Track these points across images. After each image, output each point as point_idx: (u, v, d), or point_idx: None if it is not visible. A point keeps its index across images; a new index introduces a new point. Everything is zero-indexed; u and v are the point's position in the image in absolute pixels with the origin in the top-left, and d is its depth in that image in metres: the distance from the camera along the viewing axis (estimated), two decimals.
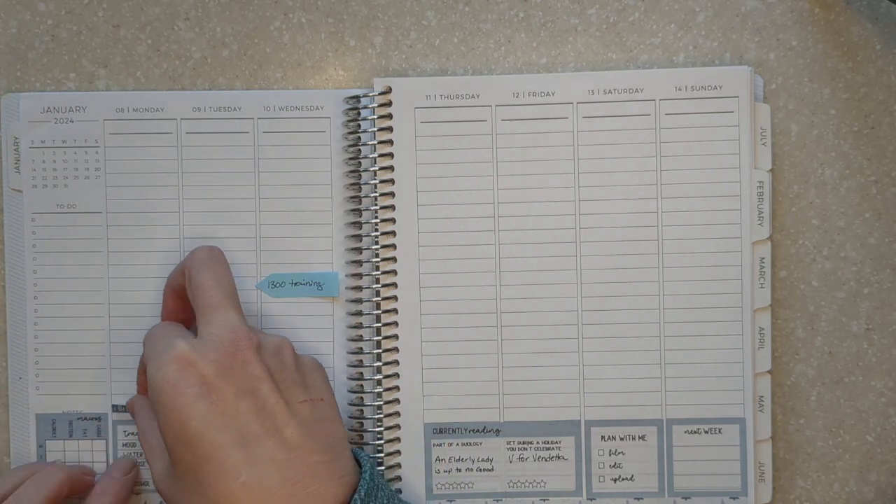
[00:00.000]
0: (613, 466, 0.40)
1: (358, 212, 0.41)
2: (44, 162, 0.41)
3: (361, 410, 0.40)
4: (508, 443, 0.41)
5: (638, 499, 0.41)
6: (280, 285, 0.41)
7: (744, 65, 0.40)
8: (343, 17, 0.41)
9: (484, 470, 0.41)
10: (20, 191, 0.41)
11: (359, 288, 0.41)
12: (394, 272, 0.40)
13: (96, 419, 0.41)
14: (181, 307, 0.39)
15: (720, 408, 0.40)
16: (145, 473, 0.41)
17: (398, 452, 0.41)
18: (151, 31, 0.41)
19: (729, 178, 0.40)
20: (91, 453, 0.41)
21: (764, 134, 0.40)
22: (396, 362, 0.40)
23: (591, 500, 0.41)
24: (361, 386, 0.41)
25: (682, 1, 0.41)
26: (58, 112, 0.41)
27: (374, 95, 0.40)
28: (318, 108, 0.41)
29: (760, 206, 0.40)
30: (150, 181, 0.41)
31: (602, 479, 0.41)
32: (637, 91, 0.40)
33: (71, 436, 0.41)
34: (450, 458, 0.41)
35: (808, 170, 0.41)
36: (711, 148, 0.40)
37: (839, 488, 0.41)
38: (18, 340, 0.41)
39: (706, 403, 0.40)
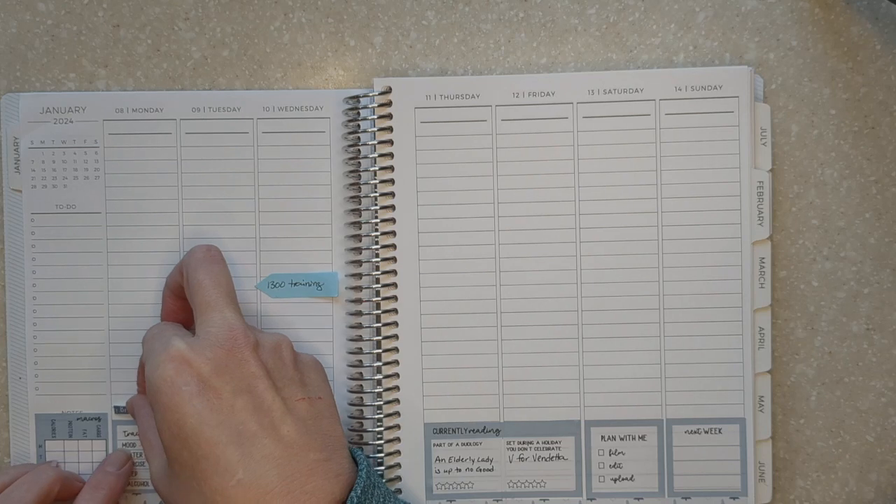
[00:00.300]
0: (613, 466, 0.40)
1: (358, 212, 0.41)
2: (43, 162, 0.41)
3: (361, 410, 0.40)
4: (508, 443, 0.41)
5: (638, 499, 0.40)
6: (280, 285, 0.41)
7: (744, 65, 0.40)
8: (343, 17, 0.41)
9: (484, 470, 0.41)
10: (20, 191, 0.41)
11: (358, 288, 0.41)
12: (394, 272, 0.40)
13: (96, 419, 0.41)
14: (180, 307, 0.39)
15: (720, 408, 0.40)
16: (145, 473, 0.41)
17: (398, 452, 0.40)
18: (151, 31, 0.41)
19: (729, 178, 0.40)
20: (91, 453, 0.41)
21: (764, 134, 0.40)
22: (396, 362, 0.40)
23: (591, 500, 0.41)
24: (361, 386, 0.41)
25: (682, 1, 0.41)
26: (57, 112, 0.41)
27: (374, 95, 0.40)
28: (317, 108, 0.41)
29: (760, 206, 0.40)
30: (149, 181, 0.41)
31: (602, 479, 0.41)
32: (637, 91, 0.40)
33: (71, 436, 0.41)
34: (450, 458, 0.41)
35: (808, 170, 0.41)
36: (711, 148, 0.40)
37: (839, 488, 0.41)
38: (18, 340, 0.41)
39: (706, 403, 0.40)
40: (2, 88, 0.41)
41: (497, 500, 0.41)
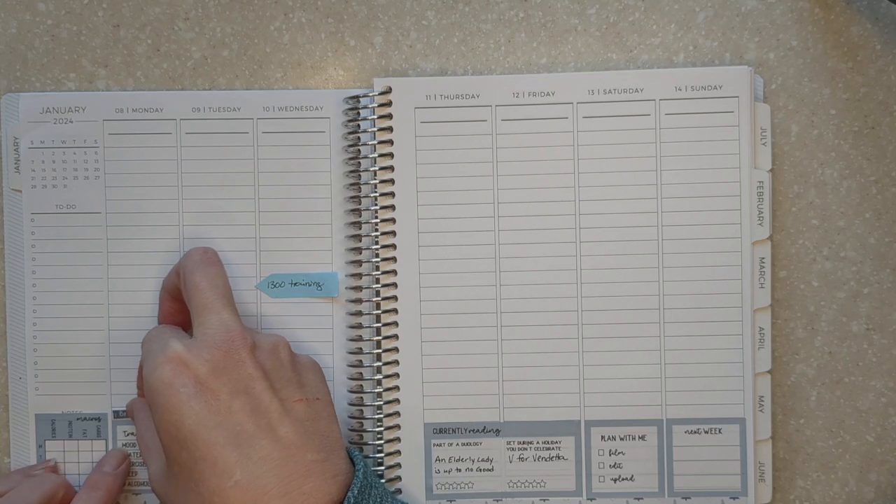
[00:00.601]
0: (613, 466, 0.40)
1: (358, 212, 0.41)
2: (43, 162, 0.41)
3: (361, 410, 0.40)
4: (508, 443, 0.41)
5: (638, 499, 0.40)
6: (279, 285, 0.41)
7: (744, 65, 0.40)
8: (343, 17, 0.41)
9: (484, 470, 0.41)
10: (20, 191, 0.41)
11: (358, 288, 0.41)
12: (394, 272, 0.40)
13: (96, 419, 0.41)
14: (177, 309, 0.39)
15: (720, 408, 0.40)
16: (145, 474, 0.41)
17: (398, 452, 0.40)
18: (151, 31, 0.41)
19: (729, 178, 0.40)
20: (91, 454, 0.41)
21: (764, 134, 0.40)
22: (396, 362, 0.40)
23: (591, 500, 0.41)
24: (361, 386, 0.41)
25: (682, 1, 0.41)
26: (57, 112, 0.41)
27: (374, 95, 0.40)
28: (317, 108, 0.41)
29: (760, 206, 0.40)
30: (149, 181, 0.41)
31: (602, 479, 0.41)
32: (637, 91, 0.40)
33: (71, 436, 0.41)
34: (450, 458, 0.41)
35: (808, 170, 0.41)
36: (711, 148, 0.40)
37: (839, 488, 0.41)
38: (18, 340, 0.41)
39: (706, 403, 0.40)
40: (2, 88, 0.41)
41: (497, 500, 0.41)
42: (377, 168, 0.40)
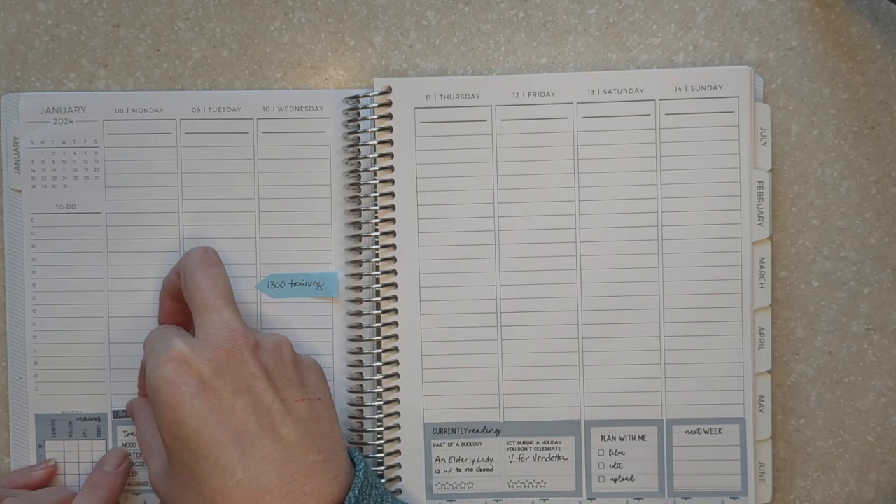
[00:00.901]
0: (613, 466, 0.40)
1: (358, 212, 0.41)
2: (43, 162, 0.41)
3: (361, 410, 0.40)
4: (508, 443, 0.41)
5: (638, 499, 0.40)
6: (280, 285, 0.41)
7: (744, 65, 0.40)
8: (343, 17, 0.41)
9: (484, 470, 0.41)
10: (20, 191, 0.41)
11: (358, 288, 0.41)
12: (394, 272, 0.40)
13: (96, 419, 0.41)
14: (177, 309, 0.39)
15: (720, 408, 0.40)
16: (145, 473, 0.41)
17: (398, 452, 0.40)
18: (151, 31, 0.41)
19: (729, 178, 0.40)
20: (91, 454, 0.41)
21: (764, 134, 0.40)
22: (396, 362, 0.40)
23: (591, 500, 0.41)
24: (361, 386, 0.41)
25: (682, 1, 0.41)
26: (57, 112, 0.41)
27: (374, 95, 0.40)
28: (317, 108, 0.41)
29: (760, 206, 0.40)
30: (149, 181, 0.41)
31: (602, 479, 0.41)
32: (637, 91, 0.40)
33: (70, 436, 0.41)
34: (450, 458, 0.41)
35: (808, 170, 0.41)
36: (711, 148, 0.40)
37: (839, 488, 0.41)
38: (18, 340, 0.41)
39: (706, 403, 0.40)
40: (2, 88, 0.41)
41: (497, 500, 0.41)
42: (377, 168, 0.40)
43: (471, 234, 0.40)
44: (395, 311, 0.40)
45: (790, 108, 0.41)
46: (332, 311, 0.41)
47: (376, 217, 0.40)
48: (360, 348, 0.41)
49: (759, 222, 0.40)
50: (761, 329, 0.40)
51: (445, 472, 0.41)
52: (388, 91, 0.40)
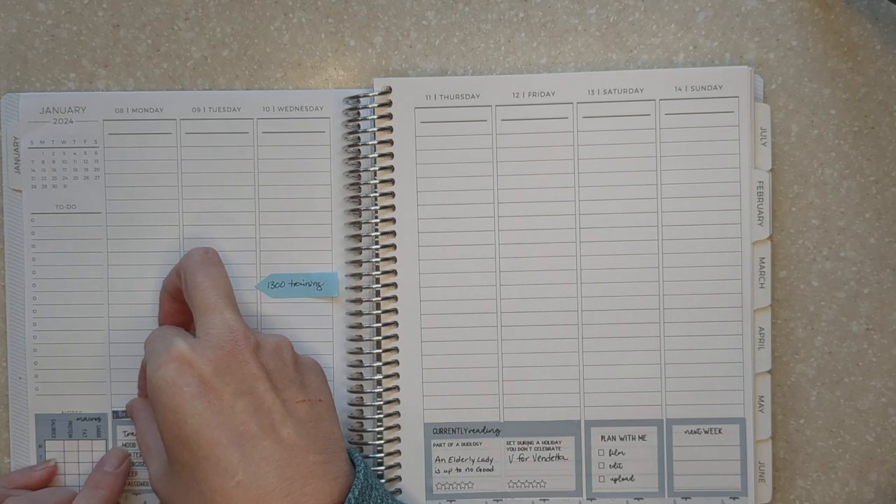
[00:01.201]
0: (613, 466, 0.40)
1: (358, 212, 0.41)
2: (43, 162, 0.41)
3: (361, 410, 0.40)
4: (508, 443, 0.41)
5: (638, 499, 0.40)
6: (280, 285, 0.41)
7: (744, 65, 0.40)
8: (343, 17, 0.41)
9: (484, 470, 0.41)
10: (20, 191, 0.41)
11: (358, 288, 0.41)
12: (394, 272, 0.40)
13: (96, 419, 0.41)
14: (178, 310, 0.39)
15: (720, 408, 0.40)
16: (145, 473, 0.41)
17: (398, 452, 0.40)
18: (151, 31, 0.41)
19: (729, 178, 0.40)
20: (91, 454, 0.41)
21: (764, 134, 0.40)
22: (396, 362, 0.40)
23: (591, 500, 0.41)
24: (361, 386, 0.41)
25: (682, 1, 0.41)
26: (57, 112, 0.41)
27: (374, 95, 0.40)
28: (317, 108, 0.41)
29: (760, 206, 0.40)
30: (149, 181, 0.41)
31: (602, 479, 0.41)
32: (637, 91, 0.40)
33: (70, 436, 0.41)
34: (450, 458, 0.41)
35: (808, 170, 0.41)
36: (711, 148, 0.40)
37: (839, 488, 0.41)
38: (18, 340, 0.41)
39: (706, 403, 0.40)
40: (2, 88, 0.41)
41: (497, 500, 0.41)
42: (377, 168, 0.40)
43: (471, 234, 0.40)
44: (395, 311, 0.40)
45: (790, 108, 0.41)
46: (332, 311, 0.41)
47: (376, 217, 0.40)
48: (360, 348, 0.41)
49: (759, 222, 0.40)
50: (761, 329, 0.40)
51: (445, 472, 0.41)
52: (388, 91, 0.40)
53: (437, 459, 0.41)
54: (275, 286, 0.41)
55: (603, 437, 0.40)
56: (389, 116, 0.40)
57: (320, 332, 0.41)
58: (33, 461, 0.41)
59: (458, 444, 0.41)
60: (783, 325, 0.41)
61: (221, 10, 0.41)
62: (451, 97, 0.40)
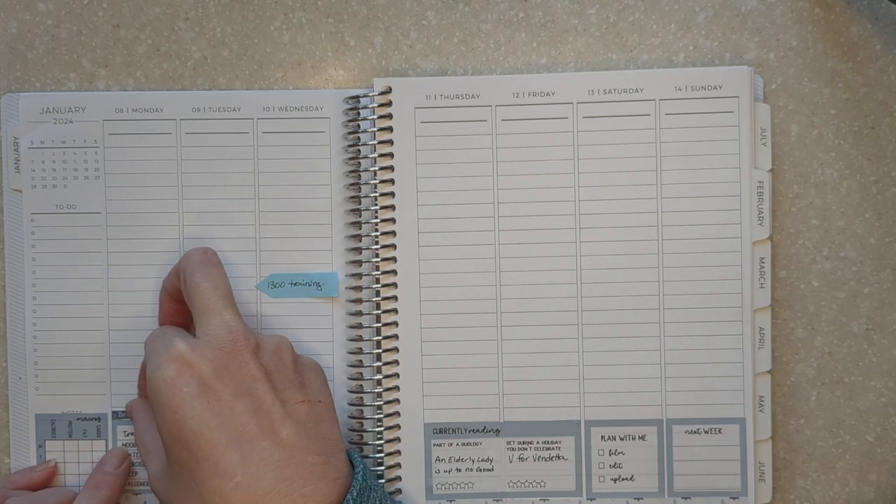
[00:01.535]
0: (613, 466, 0.40)
1: (358, 212, 0.41)
2: (43, 162, 0.41)
3: (361, 410, 0.40)
4: (508, 443, 0.41)
5: (638, 499, 0.40)
6: (280, 285, 0.41)
7: (744, 65, 0.40)
8: (343, 17, 0.41)
9: (484, 470, 0.41)
10: (20, 191, 0.41)
11: (358, 288, 0.41)
12: (394, 272, 0.40)
13: (96, 419, 0.41)
14: (177, 310, 0.39)
15: (720, 408, 0.40)
16: (145, 474, 0.41)
17: (398, 452, 0.40)
18: (151, 31, 0.41)
19: (729, 178, 0.40)
20: (91, 454, 0.41)
21: (764, 134, 0.40)
22: (396, 362, 0.40)
23: (591, 500, 0.41)
24: (361, 386, 0.41)
25: (682, 1, 0.41)
26: (57, 112, 0.41)
27: (374, 95, 0.40)
28: (317, 108, 0.41)
29: (760, 206, 0.40)
30: (149, 181, 0.41)
31: (602, 479, 0.41)
32: (637, 91, 0.40)
33: (70, 436, 0.41)
34: (450, 458, 0.41)
35: (808, 170, 0.41)
36: (711, 148, 0.40)
37: (839, 488, 0.41)
38: (18, 340, 0.41)
39: (706, 403, 0.40)
40: (2, 88, 0.41)
41: (497, 500, 0.41)
42: (377, 168, 0.40)
43: (471, 234, 0.40)
44: (395, 311, 0.40)
45: (790, 108, 0.41)
46: (332, 311, 0.41)
47: (376, 217, 0.40)
48: (360, 348, 0.41)
49: (759, 222, 0.40)
50: (761, 329, 0.40)
51: (445, 472, 0.41)
52: (388, 91, 0.40)
53: (437, 459, 0.41)
54: (275, 286, 0.41)
55: (603, 437, 0.40)
56: (389, 116, 0.40)
57: (320, 332, 0.41)
58: (33, 461, 0.41)
59: (458, 444, 0.41)
60: (783, 325, 0.41)
61: (221, 10, 0.41)
62: (451, 97, 0.40)
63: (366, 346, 0.40)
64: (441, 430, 0.41)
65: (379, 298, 0.40)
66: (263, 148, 0.41)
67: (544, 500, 0.41)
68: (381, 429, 0.40)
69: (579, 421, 0.40)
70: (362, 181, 0.41)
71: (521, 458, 0.40)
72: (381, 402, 0.40)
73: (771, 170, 0.40)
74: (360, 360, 0.41)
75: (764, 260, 0.40)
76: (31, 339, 0.41)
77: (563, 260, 0.40)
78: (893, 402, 0.41)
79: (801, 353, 0.41)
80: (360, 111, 0.40)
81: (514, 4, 0.41)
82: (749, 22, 0.41)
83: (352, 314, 0.41)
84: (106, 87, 0.41)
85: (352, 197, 0.41)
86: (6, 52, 0.41)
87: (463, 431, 0.41)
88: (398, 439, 0.41)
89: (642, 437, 0.40)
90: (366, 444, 0.40)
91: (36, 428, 0.41)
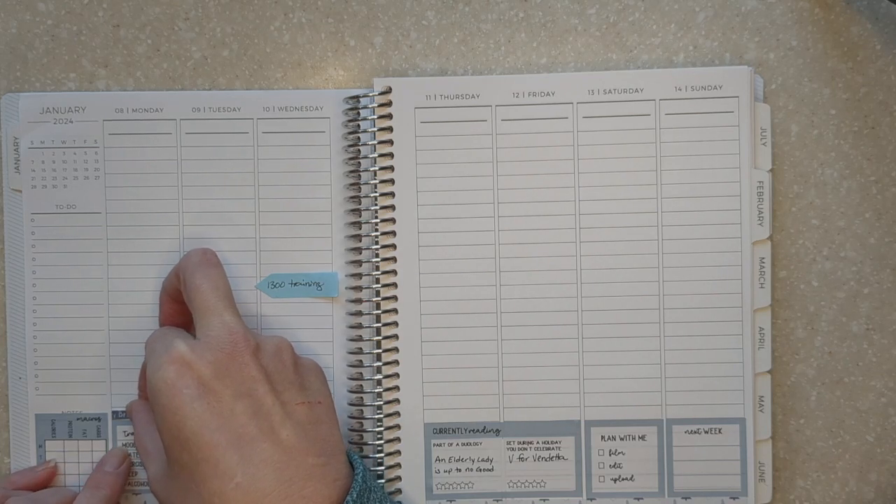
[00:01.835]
0: (613, 466, 0.40)
1: (358, 212, 0.41)
2: (43, 162, 0.41)
3: (361, 411, 0.40)
4: (508, 443, 0.41)
5: (638, 499, 0.40)
6: (280, 285, 0.41)
7: (744, 65, 0.40)
8: (343, 17, 0.41)
9: (484, 470, 0.41)
10: (20, 191, 0.41)
11: (358, 288, 0.41)
12: (394, 272, 0.40)
13: (96, 419, 0.41)
14: (177, 310, 0.39)
15: (720, 408, 0.40)
16: (145, 475, 0.41)
17: (398, 452, 0.40)
18: (151, 31, 0.41)
19: (729, 178, 0.40)
20: (91, 454, 0.41)
21: (764, 134, 0.40)
22: (396, 362, 0.40)
23: (591, 500, 0.41)
24: (361, 386, 0.41)
25: (682, 1, 0.41)
26: (57, 112, 0.41)
27: (374, 95, 0.40)
28: (317, 108, 0.41)
29: (760, 206, 0.40)
30: (149, 181, 0.41)
31: (602, 479, 0.41)
32: (637, 91, 0.40)
33: (70, 436, 0.41)
34: (450, 458, 0.41)
35: (808, 170, 0.41)
36: (711, 148, 0.40)
37: (839, 488, 0.41)
38: (18, 340, 0.41)
39: (706, 403, 0.40)
40: (2, 88, 0.41)
41: (497, 500, 0.41)
42: (377, 168, 0.40)
43: (471, 234, 0.40)
44: (395, 311, 0.40)
45: (790, 108, 0.41)
46: (332, 311, 0.41)
47: (376, 217, 0.40)
48: (360, 348, 0.41)
49: (759, 222, 0.40)
50: (761, 329, 0.40)
51: (445, 472, 0.41)
52: (388, 91, 0.40)
53: (437, 459, 0.41)
54: (275, 286, 0.41)
55: (603, 437, 0.40)
56: (389, 116, 0.40)
57: (320, 332, 0.41)
58: (33, 461, 0.41)
59: (458, 444, 0.41)
60: (783, 325, 0.41)
61: (221, 10, 0.41)
62: (451, 97, 0.40)
63: (366, 346, 0.40)
64: (441, 430, 0.41)
65: (379, 298, 0.40)
66: (263, 148, 0.41)
67: (544, 500, 0.41)
68: (381, 429, 0.40)
69: (579, 421, 0.40)
70: (362, 181, 0.41)
71: (521, 458, 0.41)
72: (381, 403, 0.40)
73: (771, 170, 0.40)
74: (360, 360, 0.41)
75: (764, 260, 0.40)
76: (31, 339, 0.41)
77: (563, 260, 0.40)
78: (893, 402, 0.41)
79: (801, 353, 0.41)
80: (360, 111, 0.40)
81: (514, 4, 0.41)
82: (749, 22, 0.41)
83: (352, 314, 0.41)
84: (106, 87, 0.41)
85: (352, 197, 0.41)
86: (6, 52, 0.41)
87: (463, 431, 0.41)
88: (398, 439, 0.41)
89: (642, 437, 0.40)
90: (366, 444, 0.40)
91: (36, 428, 0.41)
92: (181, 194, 0.41)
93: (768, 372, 0.40)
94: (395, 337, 0.40)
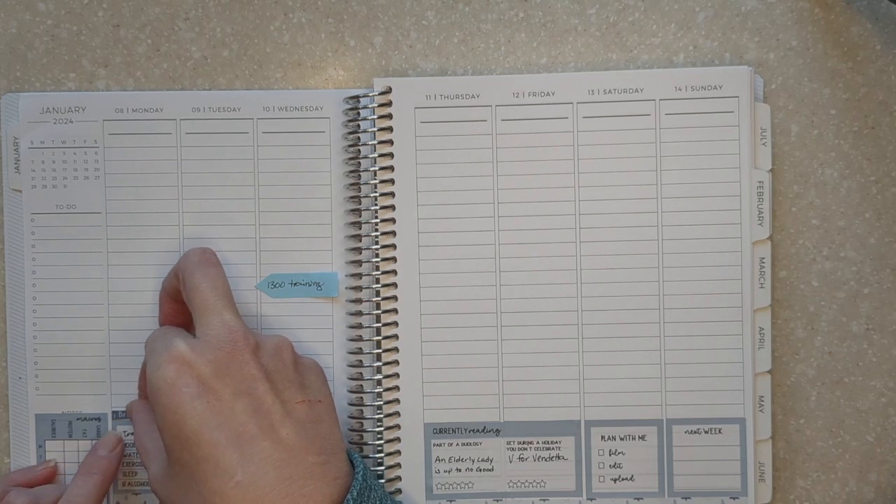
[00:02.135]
0: (613, 466, 0.40)
1: (358, 212, 0.41)
2: (43, 162, 0.41)
3: (361, 410, 0.40)
4: (508, 443, 0.41)
5: (638, 499, 0.40)
6: (280, 285, 0.41)
7: (744, 65, 0.40)
8: (343, 17, 0.41)
9: (484, 470, 0.41)
10: (20, 191, 0.41)
11: (358, 288, 0.41)
12: (394, 272, 0.40)
13: (96, 419, 0.41)
14: (177, 310, 0.39)
15: (720, 408, 0.40)
16: (144, 474, 0.41)
17: (398, 452, 0.40)
18: (151, 31, 0.41)
19: (729, 178, 0.40)
20: None
21: (764, 134, 0.40)
22: (396, 362, 0.40)
23: (591, 500, 0.41)
24: (361, 386, 0.41)
25: (682, 1, 0.41)
26: (57, 112, 0.41)
27: (374, 95, 0.40)
28: (317, 108, 0.41)
29: (760, 206, 0.40)
30: (149, 181, 0.41)
31: (602, 479, 0.41)
32: (637, 91, 0.40)
33: (70, 436, 0.41)
34: (450, 458, 0.41)
35: (808, 170, 0.41)
36: (711, 148, 0.40)
37: (839, 488, 0.41)
38: (18, 340, 0.41)
39: (706, 403, 0.40)
40: (2, 88, 0.41)
41: (497, 500, 0.41)
42: (377, 168, 0.40)
43: (471, 234, 0.40)
44: (395, 311, 0.40)
45: (790, 108, 0.41)
46: (332, 311, 0.41)
47: (376, 217, 0.40)
48: (360, 348, 0.41)
49: (759, 222, 0.40)
50: (761, 329, 0.40)
51: (445, 472, 0.41)
52: (388, 91, 0.40)
53: (437, 459, 0.41)
54: (275, 286, 0.41)
55: (603, 437, 0.40)
56: (389, 116, 0.40)
57: (320, 332, 0.41)
58: (33, 461, 0.41)
59: (458, 444, 0.41)
60: (783, 325, 0.41)
61: (221, 10, 0.41)
62: (451, 97, 0.40)
63: (366, 346, 0.40)
64: (441, 430, 0.41)
65: (379, 298, 0.40)
66: (263, 148, 0.41)
67: (544, 500, 0.41)
68: (381, 429, 0.40)
69: (579, 421, 0.40)
70: (362, 181, 0.41)
71: (521, 458, 0.41)
72: (381, 402, 0.40)
73: (771, 170, 0.40)
74: (360, 360, 0.41)
75: (764, 260, 0.40)
76: (31, 339, 0.41)
77: (563, 260, 0.40)
78: (893, 402, 0.41)
79: (801, 353, 0.41)
80: (360, 111, 0.40)
81: (514, 4, 0.41)
82: (749, 22, 0.41)
83: (352, 314, 0.41)
84: (106, 87, 0.41)
85: (352, 197, 0.41)
86: (6, 52, 0.41)
87: (463, 431, 0.41)
88: (398, 439, 0.41)
89: (642, 437, 0.40)
90: (366, 443, 0.40)
91: (36, 428, 0.41)
92: (181, 194, 0.41)
93: (768, 372, 0.40)
94: (395, 337, 0.40)
